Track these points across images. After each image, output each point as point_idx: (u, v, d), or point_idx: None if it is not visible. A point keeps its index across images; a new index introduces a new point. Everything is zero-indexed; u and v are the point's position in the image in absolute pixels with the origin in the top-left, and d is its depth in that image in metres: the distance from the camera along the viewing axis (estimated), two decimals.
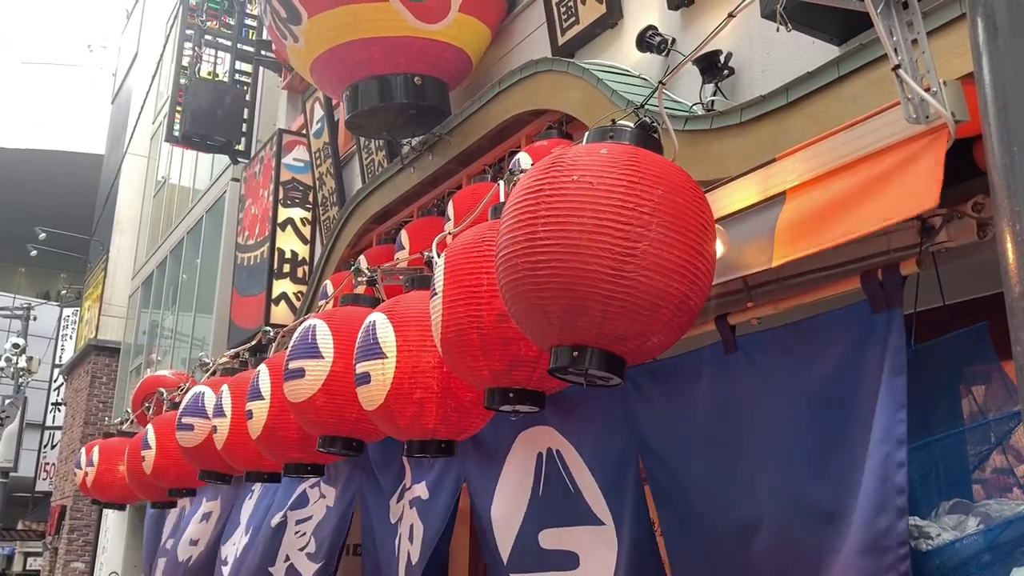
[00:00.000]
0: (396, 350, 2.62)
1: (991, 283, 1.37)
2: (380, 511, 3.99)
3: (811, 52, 3.26)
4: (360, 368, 2.70)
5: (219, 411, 3.82)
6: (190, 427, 3.99)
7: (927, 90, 1.75)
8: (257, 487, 5.01)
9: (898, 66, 1.74)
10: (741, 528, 2.25)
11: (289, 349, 3.12)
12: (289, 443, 3.40)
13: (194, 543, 5.59)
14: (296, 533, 4.39)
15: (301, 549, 4.29)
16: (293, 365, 3.03)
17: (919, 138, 1.81)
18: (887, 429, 1.85)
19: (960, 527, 1.77)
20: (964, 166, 1.87)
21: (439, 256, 2.42)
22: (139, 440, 5.05)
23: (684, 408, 2.50)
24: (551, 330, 1.85)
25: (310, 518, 4.37)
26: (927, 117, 1.76)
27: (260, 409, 3.41)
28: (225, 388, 3.85)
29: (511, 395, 2.28)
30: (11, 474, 21.53)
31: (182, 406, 4.17)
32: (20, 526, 20.87)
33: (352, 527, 4.26)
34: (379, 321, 2.70)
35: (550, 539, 2.92)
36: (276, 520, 4.51)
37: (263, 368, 3.50)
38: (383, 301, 2.96)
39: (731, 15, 1.90)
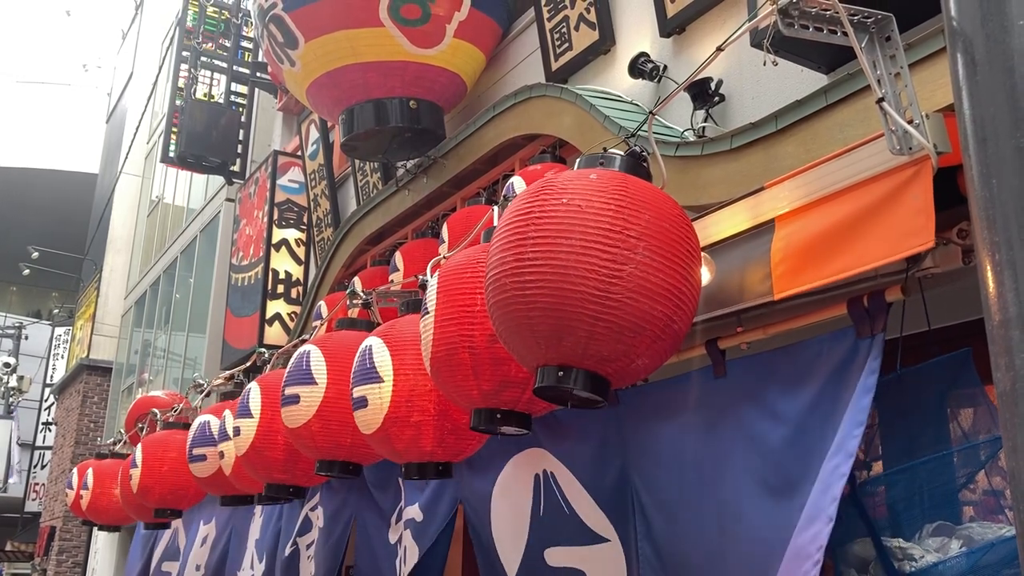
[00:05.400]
0: (393, 374, 2.63)
1: (978, 308, 1.40)
2: (380, 532, 4.00)
3: (800, 80, 3.31)
4: (357, 392, 2.72)
5: (223, 435, 3.82)
6: (202, 457, 4.00)
7: (910, 122, 1.80)
8: (258, 510, 5.00)
9: (882, 99, 1.79)
10: (724, 549, 2.27)
11: (285, 375, 3.13)
12: (274, 464, 3.37)
13: (198, 568, 5.56)
14: (308, 558, 4.39)
15: (313, 574, 4.30)
16: (288, 391, 3.04)
17: (904, 168, 1.85)
18: (841, 442, 1.89)
19: (943, 549, 1.80)
20: (948, 193, 1.90)
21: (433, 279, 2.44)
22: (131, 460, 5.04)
23: (674, 430, 2.52)
24: (537, 350, 1.87)
25: (314, 542, 4.37)
26: (910, 149, 1.80)
27: (248, 427, 3.39)
28: (228, 413, 3.85)
29: (498, 416, 2.30)
30: (0, 494, 21.37)
31: (190, 437, 4.18)
32: (8, 547, 20.70)
33: (348, 548, 4.26)
34: (375, 346, 2.72)
35: (557, 557, 2.94)
36: (288, 550, 4.51)
37: (254, 386, 3.49)
38: (379, 324, 2.98)
39: (719, 48, 1.94)
